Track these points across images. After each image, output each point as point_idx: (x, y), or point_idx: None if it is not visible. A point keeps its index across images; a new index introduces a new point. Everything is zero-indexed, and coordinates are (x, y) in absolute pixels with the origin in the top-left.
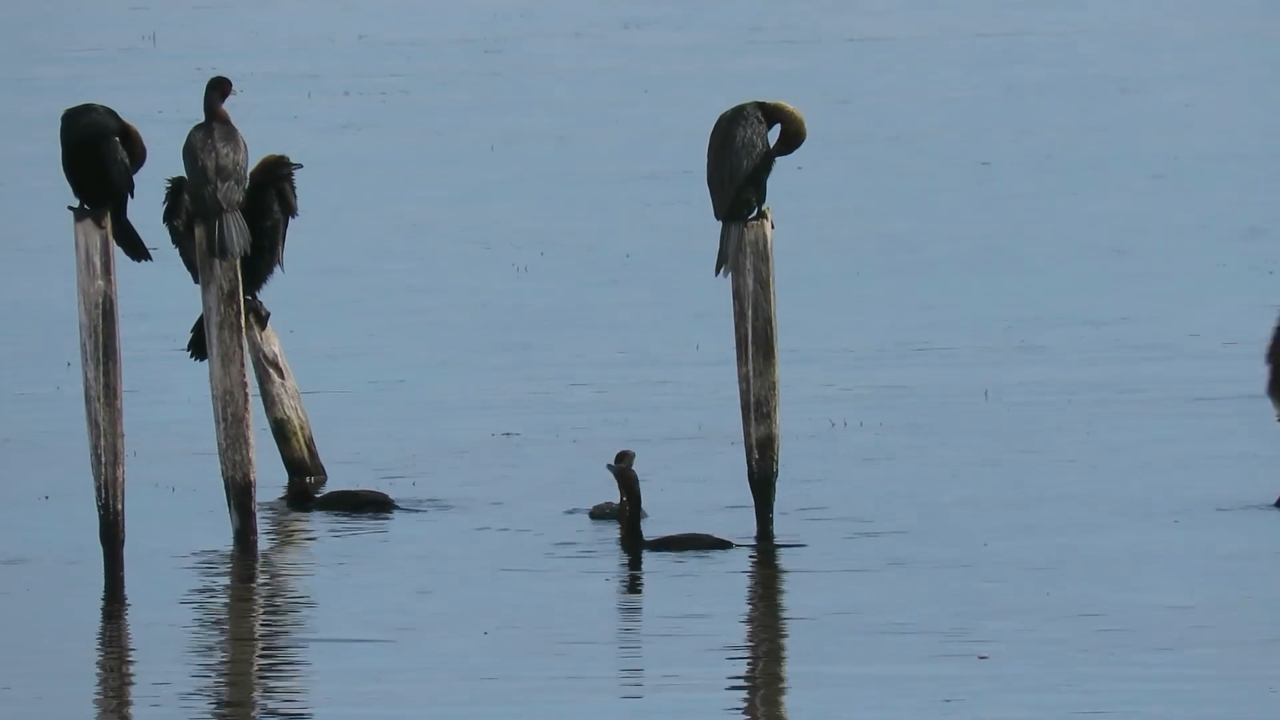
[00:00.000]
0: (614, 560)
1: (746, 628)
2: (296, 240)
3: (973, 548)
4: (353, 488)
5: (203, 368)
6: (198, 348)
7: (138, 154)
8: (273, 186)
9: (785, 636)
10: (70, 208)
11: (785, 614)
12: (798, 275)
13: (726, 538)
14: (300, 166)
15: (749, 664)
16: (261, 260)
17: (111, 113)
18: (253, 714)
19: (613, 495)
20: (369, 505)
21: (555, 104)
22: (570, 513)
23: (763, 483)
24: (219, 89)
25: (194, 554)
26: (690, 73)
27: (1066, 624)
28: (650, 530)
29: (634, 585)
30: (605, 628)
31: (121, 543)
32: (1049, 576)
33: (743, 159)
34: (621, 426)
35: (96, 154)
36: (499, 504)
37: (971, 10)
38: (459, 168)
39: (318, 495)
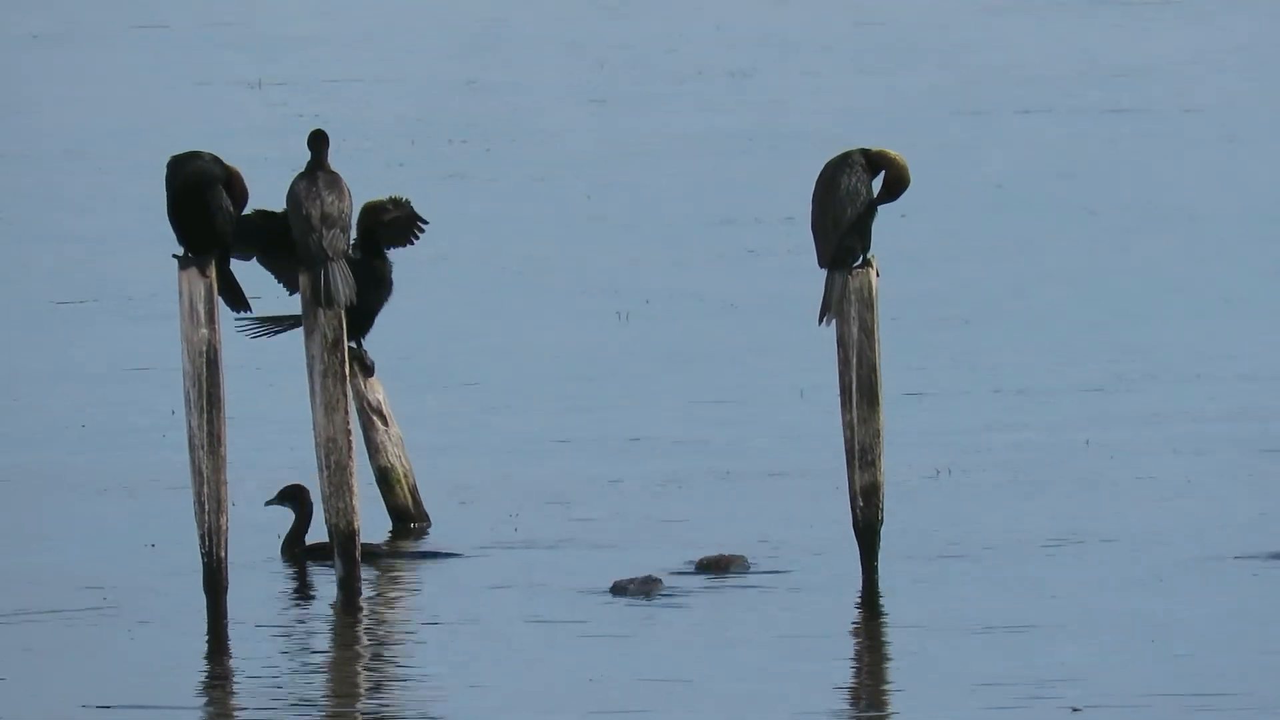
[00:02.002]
0: (714, 610)
1: (830, 687)
2: (399, 287)
3: (1068, 599)
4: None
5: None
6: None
7: (238, 195)
8: (400, 238)
9: (884, 696)
10: (175, 256)
11: (882, 668)
12: (902, 321)
13: (659, 576)
14: (428, 223)
15: None
16: (373, 308)
17: (217, 159)
18: None
19: (712, 547)
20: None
21: (660, 152)
22: (688, 563)
23: (867, 530)
24: (325, 140)
25: (297, 602)
26: (794, 120)
27: (1165, 678)
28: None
29: (727, 636)
30: (697, 682)
31: (224, 590)
32: (1150, 629)
33: (846, 206)
34: (725, 473)
35: (201, 202)
36: (601, 551)
37: (1078, 54)
38: (562, 215)
39: (308, 546)
